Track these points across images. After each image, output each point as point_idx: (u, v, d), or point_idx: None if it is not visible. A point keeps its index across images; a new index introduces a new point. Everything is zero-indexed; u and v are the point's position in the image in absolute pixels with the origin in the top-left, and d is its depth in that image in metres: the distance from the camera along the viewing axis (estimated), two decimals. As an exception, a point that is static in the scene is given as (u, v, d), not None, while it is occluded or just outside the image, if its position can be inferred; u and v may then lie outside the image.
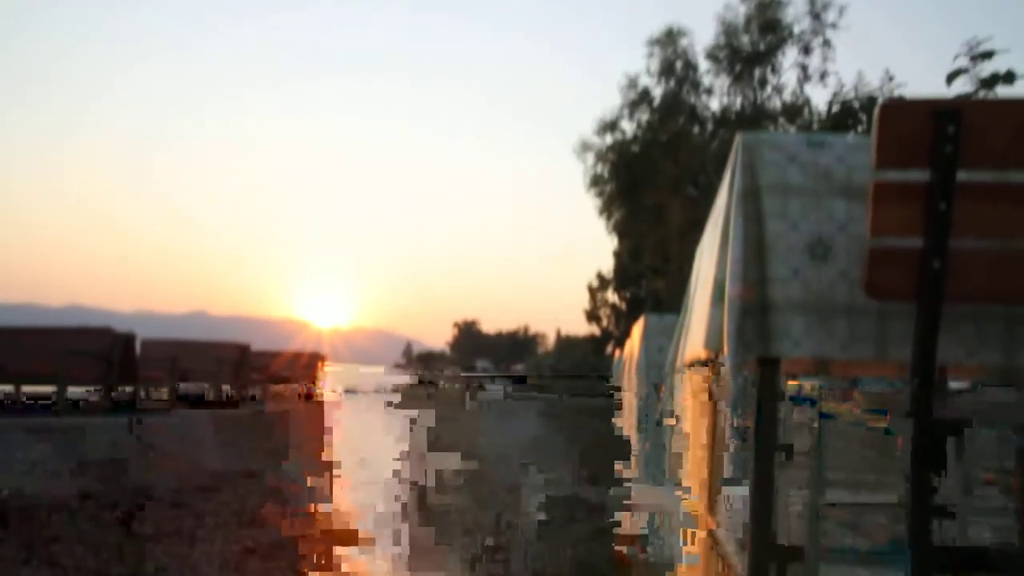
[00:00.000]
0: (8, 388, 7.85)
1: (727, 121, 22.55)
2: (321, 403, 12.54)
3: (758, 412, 1.47)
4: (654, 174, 22.80)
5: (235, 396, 10.46)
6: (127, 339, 8.18)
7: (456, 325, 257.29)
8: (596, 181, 23.56)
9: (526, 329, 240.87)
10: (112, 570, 3.70)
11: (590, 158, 23.44)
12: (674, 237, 23.75)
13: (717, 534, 2.38)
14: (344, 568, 4.08)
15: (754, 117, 22.04)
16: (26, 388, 7.86)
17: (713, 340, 1.41)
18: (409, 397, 20.92)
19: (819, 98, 23.39)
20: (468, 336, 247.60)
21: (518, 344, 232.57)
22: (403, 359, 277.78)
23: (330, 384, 24.45)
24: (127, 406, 8.18)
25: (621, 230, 28.66)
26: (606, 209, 24.48)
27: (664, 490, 4.27)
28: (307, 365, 12.82)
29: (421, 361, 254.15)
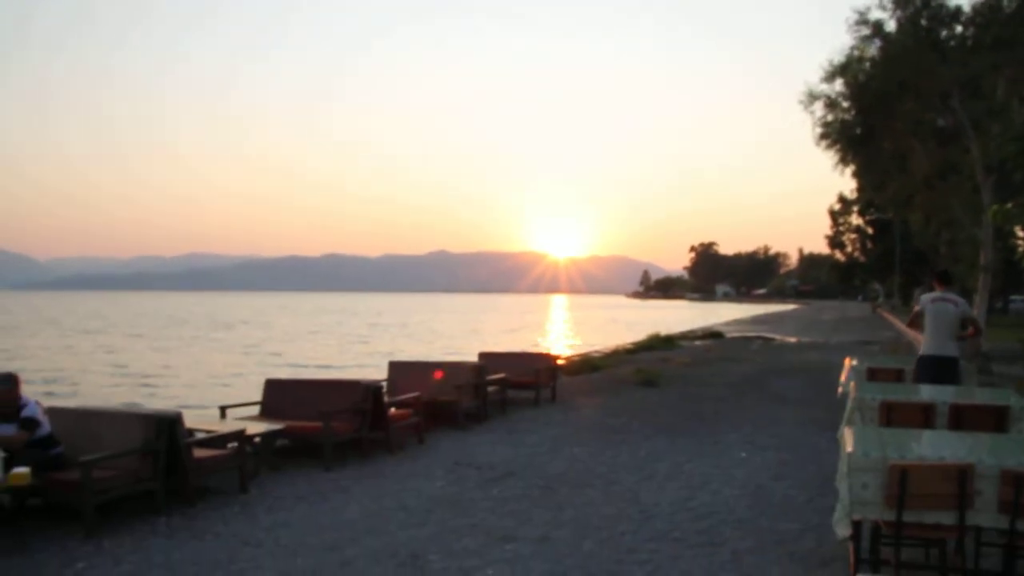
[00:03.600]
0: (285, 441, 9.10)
1: (978, 47, 20.31)
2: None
3: None
4: (892, 117, 21.12)
5: (477, 411, 11.34)
6: (375, 390, 9.17)
7: (693, 248, 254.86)
8: (827, 134, 22.17)
9: (766, 249, 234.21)
10: None
11: (819, 108, 22.04)
12: (919, 187, 22.01)
13: None
14: None
15: (1010, 40, 19.65)
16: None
17: None
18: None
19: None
20: (706, 259, 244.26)
21: (758, 265, 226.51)
22: (641, 286, 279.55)
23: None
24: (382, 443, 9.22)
25: (860, 175, 26.91)
26: (841, 161, 23.02)
27: None
28: (544, 369, 13.50)
29: (659, 287, 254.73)
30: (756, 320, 57.53)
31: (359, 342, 43.31)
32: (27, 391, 6.89)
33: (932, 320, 8.72)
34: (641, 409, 12.61)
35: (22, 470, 5.89)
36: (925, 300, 8.93)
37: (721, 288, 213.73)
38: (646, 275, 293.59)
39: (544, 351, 17.25)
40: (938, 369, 8.53)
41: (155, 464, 6.69)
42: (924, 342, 8.82)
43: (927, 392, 7.34)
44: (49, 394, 18.91)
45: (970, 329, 8.93)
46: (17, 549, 5.83)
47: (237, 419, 9.06)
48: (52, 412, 7.00)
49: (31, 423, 6.58)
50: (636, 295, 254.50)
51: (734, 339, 33.32)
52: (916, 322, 9.21)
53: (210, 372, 26.77)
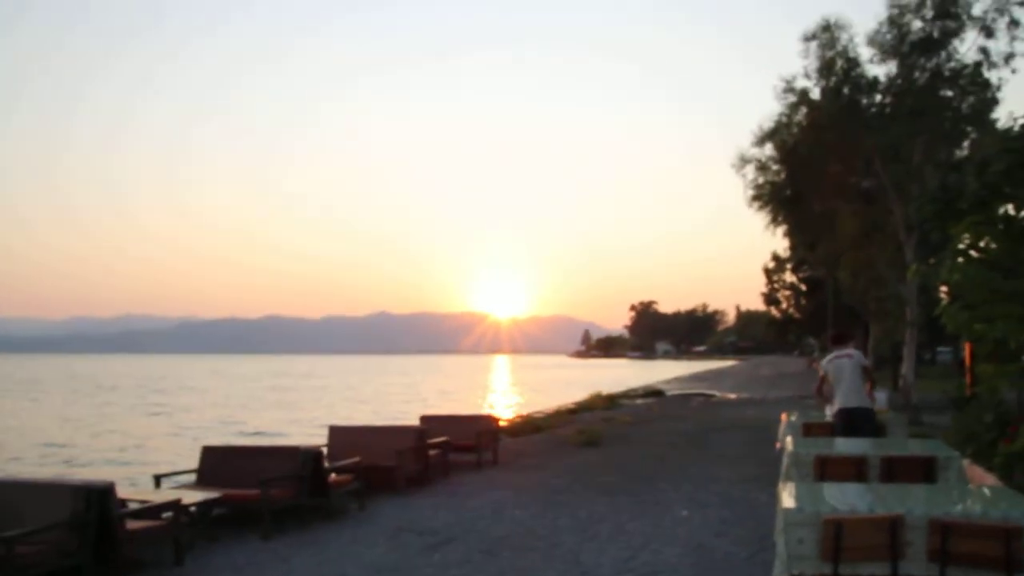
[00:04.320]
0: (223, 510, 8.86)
1: (896, 115, 21.32)
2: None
3: None
4: (820, 180, 21.95)
5: (418, 476, 11.22)
6: (315, 455, 9.04)
7: (633, 307, 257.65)
8: (759, 196, 22.96)
9: (704, 307, 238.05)
10: None
11: (750, 171, 22.85)
12: (846, 247, 22.85)
13: None
14: None
15: (924, 109, 20.69)
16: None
17: None
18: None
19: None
20: (646, 317, 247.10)
21: (697, 323, 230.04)
22: (582, 345, 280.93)
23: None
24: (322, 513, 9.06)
25: (792, 235, 27.84)
26: (773, 222, 23.87)
27: None
28: (486, 432, 13.43)
29: (600, 346, 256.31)
30: (696, 377, 58.28)
31: (299, 406, 42.56)
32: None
33: (835, 377, 9.25)
34: (583, 470, 12.61)
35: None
36: (825, 363, 9.56)
37: (661, 346, 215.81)
38: (587, 334, 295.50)
39: (486, 413, 17.22)
40: (850, 420, 8.87)
41: (84, 537, 6.47)
42: (836, 398, 9.29)
43: (859, 446, 7.55)
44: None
45: (867, 385, 9.30)
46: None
47: (172, 488, 8.83)
48: (-27, 485, 6.75)
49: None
50: (578, 354, 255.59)
51: (674, 396, 33.65)
52: (821, 388, 9.69)
53: (143, 439, 25.98)
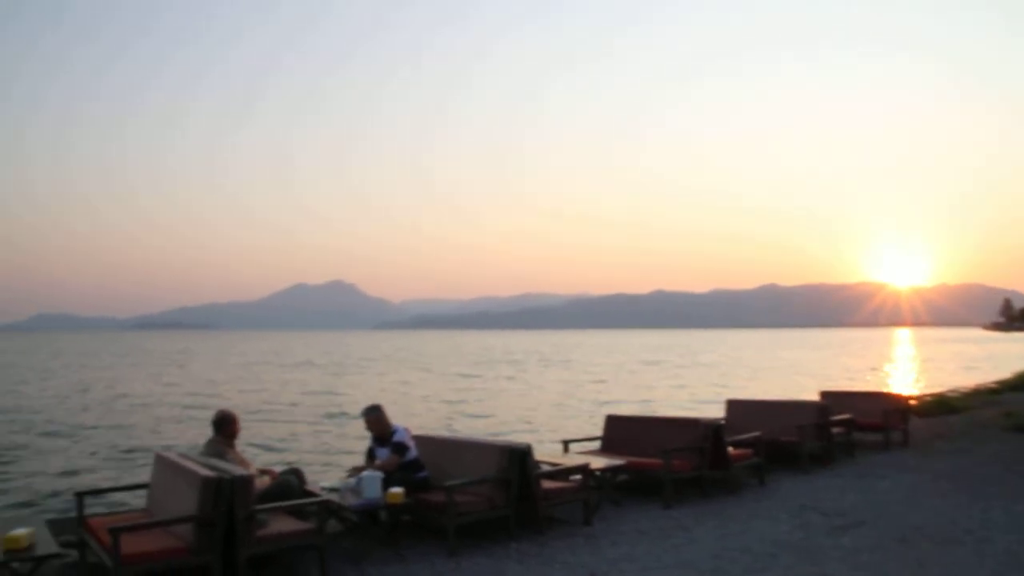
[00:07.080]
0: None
1: None
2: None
3: None
4: None
5: (820, 453, 10.76)
6: (716, 428, 9.04)
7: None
8: None
9: None
10: None
11: None
12: None
13: None
14: None
15: None
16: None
17: None
18: None
19: None
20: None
21: None
22: (1001, 317, 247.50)
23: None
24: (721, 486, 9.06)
25: None
26: None
27: None
28: (894, 410, 12.47)
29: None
30: None
31: (690, 379, 43.00)
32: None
33: None
34: (1015, 458, 11.17)
35: (397, 490, 6.61)
36: None
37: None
38: (1007, 303, 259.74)
39: (892, 390, 15.97)
40: None
41: (508, 492, 7.13)
42: None
43: None
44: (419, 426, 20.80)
45: None
46: (396, 560, 6.52)
47: (579, 453, 9.40)
48: (417, 440, 7.76)
49: (401, 448, 7.35)
50: (995, 327, 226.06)
51: None
52: None
53: (546, 406, 28.02)
